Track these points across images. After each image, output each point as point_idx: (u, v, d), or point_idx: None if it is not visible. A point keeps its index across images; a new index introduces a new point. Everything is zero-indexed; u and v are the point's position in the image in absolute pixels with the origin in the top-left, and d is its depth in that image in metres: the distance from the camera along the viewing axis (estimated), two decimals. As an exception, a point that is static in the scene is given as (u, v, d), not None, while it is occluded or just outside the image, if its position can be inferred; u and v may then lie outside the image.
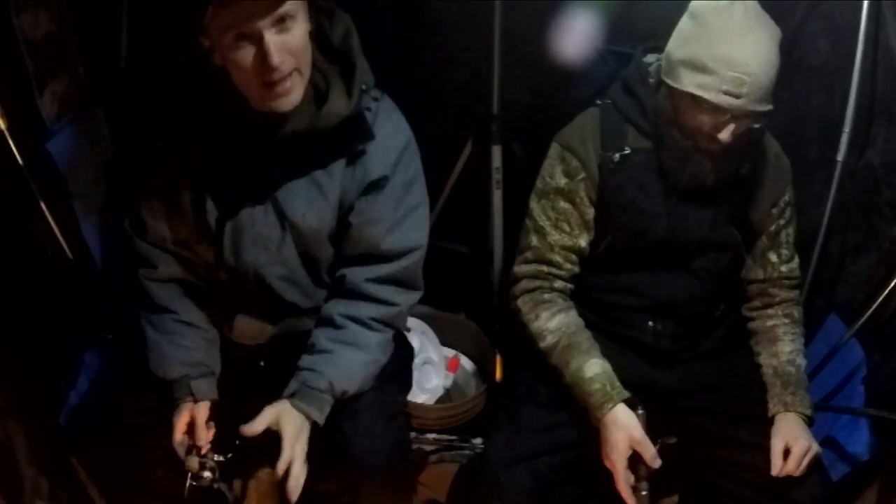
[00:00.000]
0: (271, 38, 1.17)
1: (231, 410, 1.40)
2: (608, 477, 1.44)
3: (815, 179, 1.82)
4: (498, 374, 2.05)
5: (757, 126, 1.42)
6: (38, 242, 1.51)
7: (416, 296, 1.51)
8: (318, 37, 1.30)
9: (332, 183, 1.37)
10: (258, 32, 1.16)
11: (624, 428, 1.42)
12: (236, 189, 1.35)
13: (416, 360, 1.96)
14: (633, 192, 1.52)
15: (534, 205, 1.60)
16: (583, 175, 1.53)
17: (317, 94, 1.31)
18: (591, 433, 1.48)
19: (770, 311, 1.64)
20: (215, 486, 1.37)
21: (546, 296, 1.58)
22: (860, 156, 1.74)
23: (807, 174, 1.79)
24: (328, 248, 1.44)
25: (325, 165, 1.36)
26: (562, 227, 1.56)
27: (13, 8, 1.39)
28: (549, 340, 1.54)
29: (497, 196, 2.09)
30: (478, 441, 1.98)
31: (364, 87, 1.34)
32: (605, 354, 1.52)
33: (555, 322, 1.55)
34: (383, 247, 1.42)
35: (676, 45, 1.42)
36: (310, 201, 1.37)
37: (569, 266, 1.58)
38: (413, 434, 1.94)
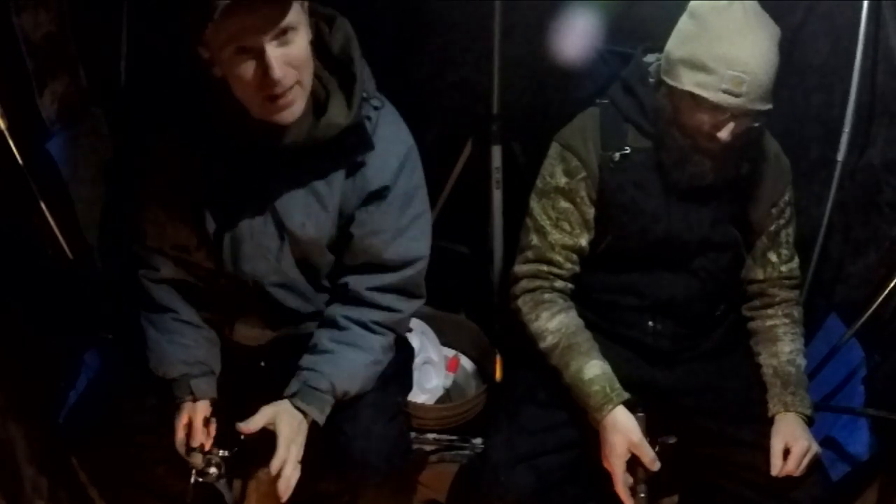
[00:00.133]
0: (272, 52, 1.14)
1: (231, 410, 1.40)
2: (608, 477, 1.45)
3: (815, 179, 1.82)
4: (498, 374, 2.05)
5: (756, 125, 1.42)
6: (38, 242, 1.51)
7: (418, 303, 1.51)
8: (318, 45, 1.28)
9: (331, 193, 1.35)
10: (259, 46, 1.14)
11: (623, 431, 1.42)
12: (235, 199, 1.34)
13: (416, 360, 1.96)
14: (633, 192, 1.52)
15: (534, 204, 1.60)
16: (583, 174, 1.53)
17: (316, 104, 1.30)
18: (591, 433, 1.48)
19: (770, 311, 1.64)
20: (221, 480, 1.37)
21: (546, 296, 1.58)
22: (860, 156, 1.74)
23: (807, 174, 1.80)
24: (328, 256, 1.44)
25: (325, 176, 1.34)
26: (562, 227, 1.56)
27: (13, 8, 1.39)
28: (549, 341, 1.54)
29: (497, 196, 2.09)
30: (478, 441, 1.98)
31: (364, 95, 1.32)
32: (605, 354, 1.52)
33: (555, 322, 1.55)
34: (386, 257, 1.42)
35: (676, 45, 1.42)
36: (309, 211, 1.36)
37: (569, 266, 1.58)
38: (413, 434, 1.93)
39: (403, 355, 1.61)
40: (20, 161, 1.41)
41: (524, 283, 1.60)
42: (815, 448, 1.45)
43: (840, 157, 1.72)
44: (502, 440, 1.51)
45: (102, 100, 1.72)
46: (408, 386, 1.66)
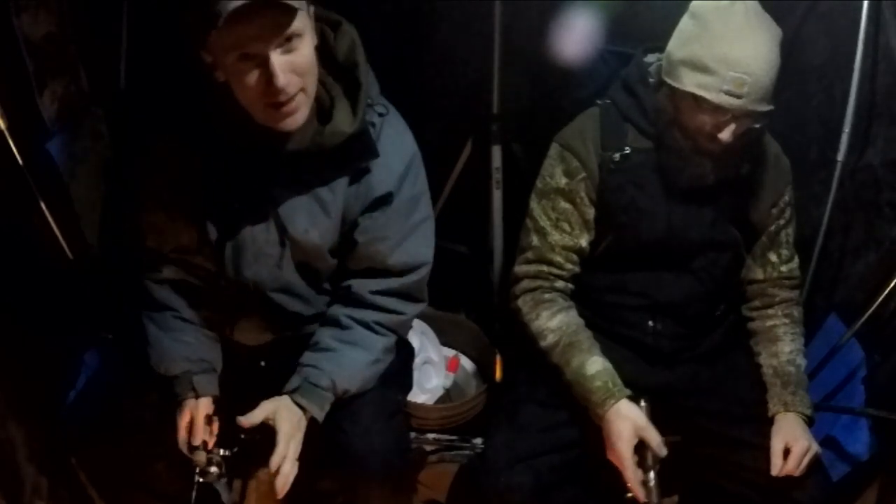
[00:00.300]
0: (277, 59, 1.13)
1: (232, 409, 1.40)
2: (608, 476, 1.44)
3: (815, 179, 1.82)
4: (498, 374, 2.05)
5: (757, 126, 1.42)
6: (38, 242, 1.51)
7: (420, 306, 1.51)
8: (323, 51, 1.26)
9: (334, 199, 1.35)
10: (263, 53, 1.12)
11: (628, 417, 1.42)
12: (237, 204, 1.33)
13: (416, 360, 1.96)
14: (634, 192, 1.52)
15: (534, 205, 1.60)
16: (583, 175, 1.53)
17: (320, 110, 1.29)
18: (591, 433, 1.48)
19: (770, 311, 1.64)
20: (222, 480, 1.37)
21: (547, 295, 1.58)
22: (860, 156, 1.74)
23: (807, 174, 1.80)
24: (329, 261, 1.43)
25: (328, 182, 1.34)
26: (562, 227, 1.56)
27: (13, 8, 1.39)
28: (549, 339, 1.54)
29: (497, 196, 2.10)
30: (478, 441, 1.98)
31: (369, 101, 1.31)
32: (606, 354, 1.52)
33: (555, 321, 1.55)
34: (390, 263, 1.41)
35: (677, 45, 1.42)
36: (312, 218, 1.35)
37: (569, 266, 1.58)
38: (413, 434, 1.94)
39: (403, 355, 1.61)
40: (20, 161, 1.41)
41: (524, 284, 1.60)
42: (816, 448, 1.46)
43: (840, 157, 1.72)
44: (502, 440, 1.51)
45: (102, 100, 1.72)
46: (408, 386, 1.66)
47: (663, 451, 1.41)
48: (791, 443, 1.45)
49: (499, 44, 2.00)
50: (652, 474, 1.40)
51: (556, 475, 1.47)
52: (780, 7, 1.48)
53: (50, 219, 1.50)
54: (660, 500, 1.39)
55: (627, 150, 1.51)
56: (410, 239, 1.42)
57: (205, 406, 1.40)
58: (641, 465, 1.41)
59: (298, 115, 1.21)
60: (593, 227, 1.57)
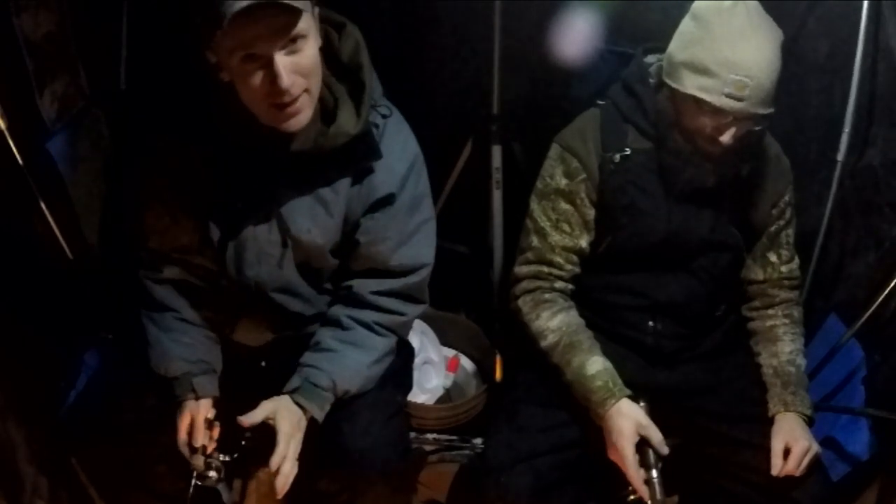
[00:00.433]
0: (281, 60, 1.13)
1: (232, 410, 1.40)
2: (609, 476, 1.44)
3: (815, 179, 1.82)
4: (498, 374, 2.05)
5: (758, 128, 1.42)
6: (38, 242, 1.51)
7: (421, 308, 1.52)
8: (327, 52, 1.26)
9: (337, 200, 1.35)
10: (268, 54, 1.12)
11: (629, 415, 1.42)
12: (240, 204, 1.33)
13: (416, 360, 1.96)
14: (634, 193, 1.52)
15: (534, 205, 1.60)
16: (583, 176, 1.53)
17: (324, 111, 1.29)
18: (591, 432, 1.48)
19: (770, 312, 1.64)
20: (220, 485, 1.37)
21: (547, 296, 1.58)
22: (860, 156, 1.74)
23: (807, 174, 1.80)
24: (330, 261, 1.44)
25: (331, 183, 1.34)
26: (562, 228, 1.56)
27: (13, 8, 1.39)
28: (550, 339, 1.54)
29: (497, 196, 2.10)
30: (478, 441, 1.98)
31: (373, 102, 1.32)
32: (606, 354, 1.52)
33: (556, 321, 1.55)
34: (391, 264, 1.42)
35: (678, 47, 1.42)
36: (315, 218, 1.35)
37: (569, 267, 1.58)
38: (413, 434, 1.94)
39: (403, 355, 1.61)
40: (20, 161, 1.41)
41: (525, 284, 1.60)
42: (816, 448, 1.46)
43: (840, 157, 1.72)
44: (502, 440, 1.51)
45: (102, 100, 1.72)
46: (408, 386, 1.66)
47: (665, 449, 1.41)
48: (791, 443, 1.45)
49: (499, 44, 1.99)
50: (655, 472, 1.40)
51: (556, 475, 1.47)
52: (781, 7, 1.48)
53: (50, 219, 1.50)
54: (664, 497, 1.38)
55: (628, 150, 1.51)
56: (412, 240, 1.42)
57: (205, 408, 1.40)
58: (643, 463, 1.41)
59: (302, 115, 1.21)
60: (593, 228, 1.57)
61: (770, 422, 1.51)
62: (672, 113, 1.44)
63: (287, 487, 1.30)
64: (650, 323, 1.58)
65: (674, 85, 1.41)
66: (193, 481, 1.35)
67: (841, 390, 1.71)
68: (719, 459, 1.55)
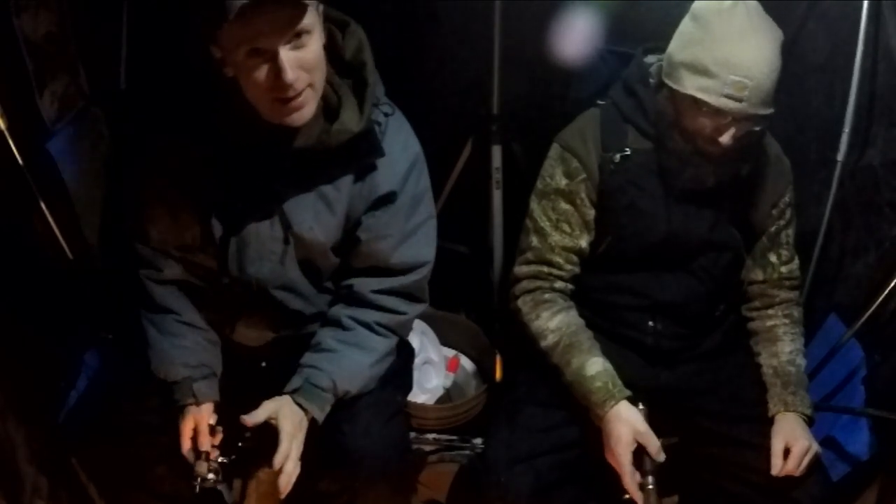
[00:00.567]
0: (286, 55, 1.14)
1: (232, 411, 1.40)
2: (608, 476, 1.44)
3: (815, 179, 1.82)
4: (498, 374, 2.06)
5: (757, 129, 1.42)
6: (38, 242, 1.51)
7: (422, 307, 1.52)
8: (330, 50, 1.27)
9: (339, 197, 1.36)
10: (273, 49, 1.13)
11: (627, 421, 1.42)
12: (242, 201, 1.34)
13: (416, 360, 1.96)
14: (634, 193, 1.52)
15: (534, 205, 1.60)
16: (583, 176, 1.53)
17: (327, 108, 1.29)
18: (591, 433, 1.48)
19: (770, 312, 1.64)
20: (219, 486, 1.37)
21: (546, 296, 1.58)
22: (860, 156, 1.74)
23: (807, 174, 1.80)
24: (332, 259, 1.44)
25: (333, 180, 1.34)
26: (562, 228, 1.56)
27: (13, 8, 1.39)
28: (549, 340, 1.54)
29: (497, 196, 2.10)
30: (478, 441, 1.98)
31: (375, 101, 1.32)
32: (606, 354, 1.52)
33: (555, 321, 1.55)
34: (392, 262, 1.42)
35: (678, 48, 1.42)
36: (317, 215, 1.36)
37: (569, 267, 1.58)
38: (413, 434, 1.94)
39: (403, 355, 1.61)
40: (20, 161, 1.41)
41: (524, 284, 1.60)
42: (816, 448, 1.46)
43: (840, 157, 1.72)
44: (502, 440, 1.51)
45: (102, 100, 1.72)
46: (408, 386, 1.66)
47: (661, 457, 1.41)
48: (791, 443, 1.45)
49: (499, 44, 1.99)
50: (650, 478, 1.40)
51: (556, 475, 1.47)
52: (781, 7, 1.48)
53: (50, 219, 1.50)
54: (658, 503, 1.39)
55: (628, 151, 1.51)
56: (412, 238, 1.42)
57: (207, 413, 1.39)
58: (640, 469, 1.41)
59: (306, 110, 1.22)
60: (593, 228, 1.57)
61: (770, 422, 1.51)
62: (672, 113, 1.44)
63: (290, 487, 1.30)
64: (650, 323, 1.58)
65: (673, 85, 1.41)
66: (197, 487, 1.34)
67: (841, 390, 1.71)
68: (719, 459, 1.55)
